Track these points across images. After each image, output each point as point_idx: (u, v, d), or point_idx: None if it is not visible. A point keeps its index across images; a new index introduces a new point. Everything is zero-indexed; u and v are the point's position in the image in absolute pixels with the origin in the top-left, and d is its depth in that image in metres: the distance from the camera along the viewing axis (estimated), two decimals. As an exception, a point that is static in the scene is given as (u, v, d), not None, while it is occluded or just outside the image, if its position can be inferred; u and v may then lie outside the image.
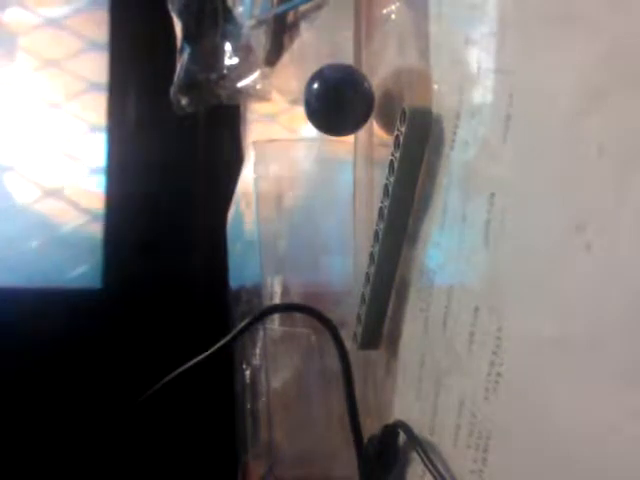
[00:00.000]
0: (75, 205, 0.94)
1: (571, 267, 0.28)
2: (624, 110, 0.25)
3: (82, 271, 0.93)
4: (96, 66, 0.94)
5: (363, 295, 0.46)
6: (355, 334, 0.47)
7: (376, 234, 0.44)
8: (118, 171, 0.94)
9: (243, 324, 0.49)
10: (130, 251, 0.92)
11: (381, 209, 0.43)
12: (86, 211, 0.94)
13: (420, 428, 0.41)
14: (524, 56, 0.32)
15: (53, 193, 0.93)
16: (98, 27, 0.94)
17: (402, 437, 0.43)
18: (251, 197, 0.62)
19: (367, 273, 0.45)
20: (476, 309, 0.35)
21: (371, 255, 0.45)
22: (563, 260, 0.28)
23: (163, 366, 0.52)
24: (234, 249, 0.72)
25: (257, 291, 0.63)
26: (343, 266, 0.57)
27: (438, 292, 0.39)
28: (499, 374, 0.33)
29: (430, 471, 0.37)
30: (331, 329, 0.47)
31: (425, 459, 0.38)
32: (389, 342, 0.46)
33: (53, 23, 0.94)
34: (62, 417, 0.86)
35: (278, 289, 0.61)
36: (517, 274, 0.32)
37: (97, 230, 0.93)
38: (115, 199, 0.93)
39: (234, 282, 0.71)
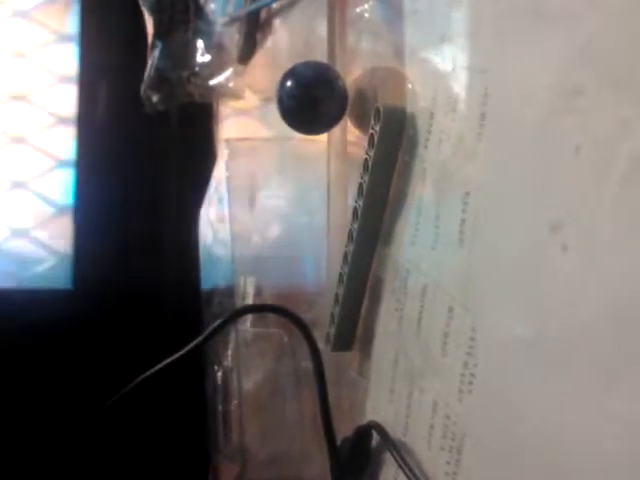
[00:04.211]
0: (44, 202, 0.92)
1: (546, 267, 0.27)
2: (601, 109, 0.25)
3: (52, 272, 0.92)
4: (65, 59, 0.92)
5: (337, 295, 0.45)
6: (328, 335, 0.47)
7: (350, 234, 0.44)
8: (87, 170, 0.92)
9: (215, 325, 0.48)
10: (101, 252, 0.90)
11: (355, 208, 0.43)
12: (55, 209, 0.92)
13: (394, 429, 0.40)
14: (499, 54, 0.32)
15: (21, 186, 0.91)
16: (66, 19, 0.93)
17: (375, 438, 0.42)
18: (224, 196, 0.62)
19: (341, 273, 0.45)
20: (450, 309, 0.35)
21: (345, 255, 0.44)
22: (538, 260, 0.28)
23: (135, 368, 0.52)
24: (206, 249, 0.71)
25: (229, 292, 0.62)
26: (316, 266, 0.56)
27: (412, 292, 0.39)
28: (473, 375, 0.33)
29: (404, 472, 0.37)
30: (304, 330, 0.46)
31: (399, 460, 0.38)
32: (363, 342, 0.46)
33: (20, 14, 0.92)
34: (32, 420, 0.85)
35: (251, 290, 0.61)
36: (492, 274, 0.32)
37: (67, 231, 0.92)
38: (85, 199, 0.92)
39: (206, 283, 0.70)
